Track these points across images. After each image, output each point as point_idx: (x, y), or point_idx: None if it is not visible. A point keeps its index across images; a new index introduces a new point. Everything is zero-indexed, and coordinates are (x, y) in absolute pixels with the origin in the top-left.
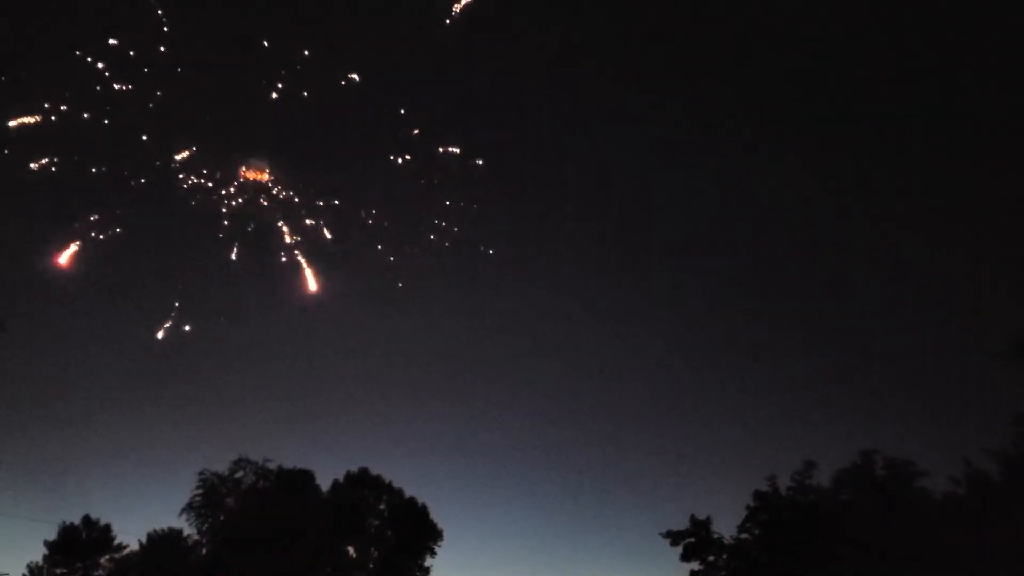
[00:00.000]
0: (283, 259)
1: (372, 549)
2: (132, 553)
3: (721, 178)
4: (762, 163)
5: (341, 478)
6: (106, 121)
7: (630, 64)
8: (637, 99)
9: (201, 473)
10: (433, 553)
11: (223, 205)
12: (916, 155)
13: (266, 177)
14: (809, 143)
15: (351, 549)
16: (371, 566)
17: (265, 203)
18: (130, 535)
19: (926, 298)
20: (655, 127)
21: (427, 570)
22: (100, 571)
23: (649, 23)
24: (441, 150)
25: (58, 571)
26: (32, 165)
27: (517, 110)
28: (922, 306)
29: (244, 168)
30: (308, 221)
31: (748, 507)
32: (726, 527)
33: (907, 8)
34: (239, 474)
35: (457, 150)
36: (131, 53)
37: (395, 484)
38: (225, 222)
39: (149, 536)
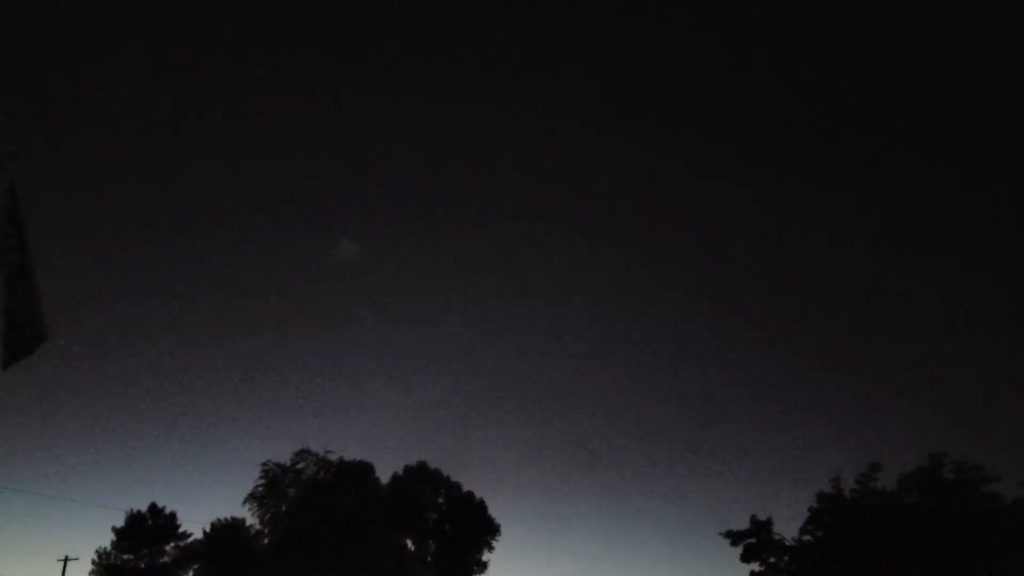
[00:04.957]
0: None
1: (430, 542)
2: (196, 541)
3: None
4: (823, 172)
5: (400, 471)
6: None
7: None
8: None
9: (264, 464)
10: (491, 547)
11: None
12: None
13: None
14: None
15: (409, 541)
16: (429, 559)
17: None
18: (195, 523)
19: (999, 299)
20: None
21: (484, 564)
22: (165, 557)
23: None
24: None
25: (125, 556)
26: None
27: None
28: (993, 307)
29: None
30: None
31: (811, 508)
32: (788, 528)
33: None
34: (301, 465)
35: None
36: None
37: (452, 479)
38: None
39: (213, 525)
